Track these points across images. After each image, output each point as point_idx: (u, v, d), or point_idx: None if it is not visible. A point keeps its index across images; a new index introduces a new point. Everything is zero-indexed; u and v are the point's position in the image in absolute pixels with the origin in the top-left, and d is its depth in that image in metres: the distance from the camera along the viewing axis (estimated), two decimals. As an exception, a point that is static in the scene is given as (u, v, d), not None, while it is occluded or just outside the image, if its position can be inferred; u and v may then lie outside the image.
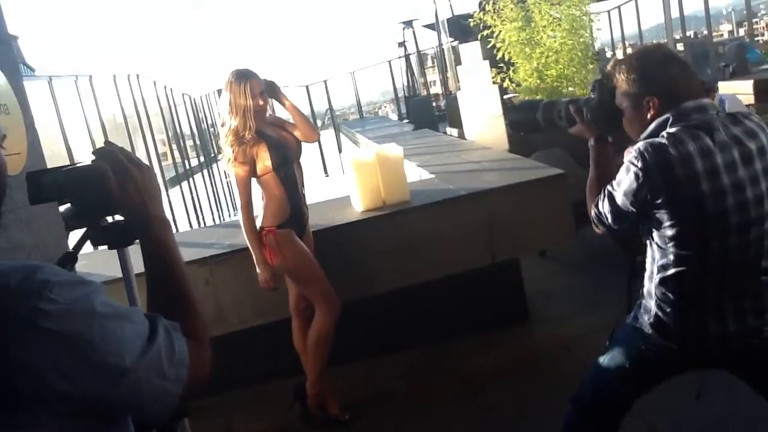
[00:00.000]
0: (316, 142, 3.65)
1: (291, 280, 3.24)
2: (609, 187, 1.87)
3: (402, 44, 16.47)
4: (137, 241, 1.11)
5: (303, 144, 3.24)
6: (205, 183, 14.31)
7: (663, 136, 1.75)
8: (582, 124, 2.01)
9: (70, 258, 1.25)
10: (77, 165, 1.11)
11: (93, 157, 1.07)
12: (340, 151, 14.29)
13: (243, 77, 3.01)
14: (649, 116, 1.81)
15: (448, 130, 8.42)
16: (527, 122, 2.22)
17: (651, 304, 1.89)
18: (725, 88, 7.23)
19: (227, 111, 3.04)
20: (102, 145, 1.09)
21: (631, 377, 2.00)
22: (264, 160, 3.03)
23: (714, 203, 1.71)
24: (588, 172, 2.12)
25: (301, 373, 3.31)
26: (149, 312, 0.93)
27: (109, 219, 1.23)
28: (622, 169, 1.81)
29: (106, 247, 1.27)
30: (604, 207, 1.89)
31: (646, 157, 1.73)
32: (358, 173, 3.59)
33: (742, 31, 27.10)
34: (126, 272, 1.43)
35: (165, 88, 13.50)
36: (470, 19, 7.88)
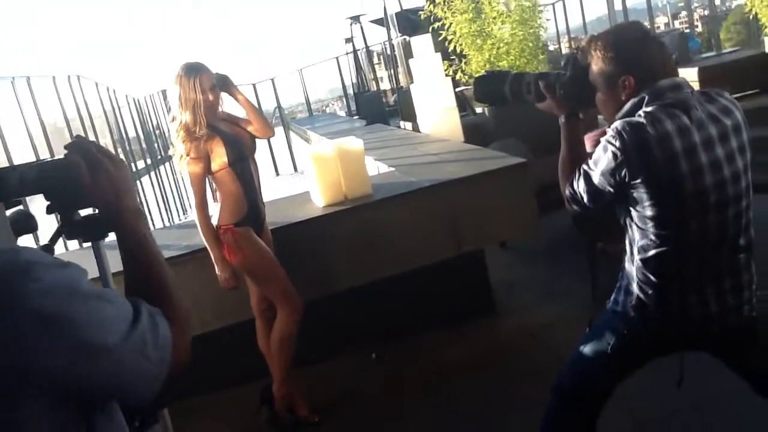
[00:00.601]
0: (266, 140, 3.52)
1: (251, 280, 3.13)
2: (585, 167, 1.83)
3: (350, 40, 16.35)
4: (110, 234, 1.11)
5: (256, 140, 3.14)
6: (153, 185, 13.95)
7: (640, 115, 1.71)
8: (553, 100, 1.96)
9: (46, 250, 1.21)
10: (47, 160, 1.11)
11: (64, 152, 1.06)
12: (290, 149, 14.12)
13: (193, 71, 2.88)
14: (624, 95, 1.77)
15: (402, 123, 8.37)
16: (494, 95, 2.14)
17: (633, 286, 1.86)
18: (671, 76, 7.35)
19: (177, 106, 2.90)
20: (70, 141, 1.07)
21: (613, 362, 1.97)
22: (219, 156, 2.91)
23: (692, 182, 1.69)
24: (542, 160, 2.07)
25: (267, 375, 3.21)
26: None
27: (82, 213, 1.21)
28: (599, 148, 1.77)
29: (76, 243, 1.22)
30: (580, 186, 1.85)
31: (624, 136, 1.69)
32: (318, 167, 3.50)
33: (677, 23, 27.93)
34: (101, 265, 1.40)
35: (108, 89, 13.10)
36: (420, 12, 7.85)
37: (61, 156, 1.08)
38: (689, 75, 7.42)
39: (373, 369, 3.69)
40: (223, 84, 3.01)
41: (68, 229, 1.18)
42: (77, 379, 0.81)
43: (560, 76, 1.94)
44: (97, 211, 1.14)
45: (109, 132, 12.50)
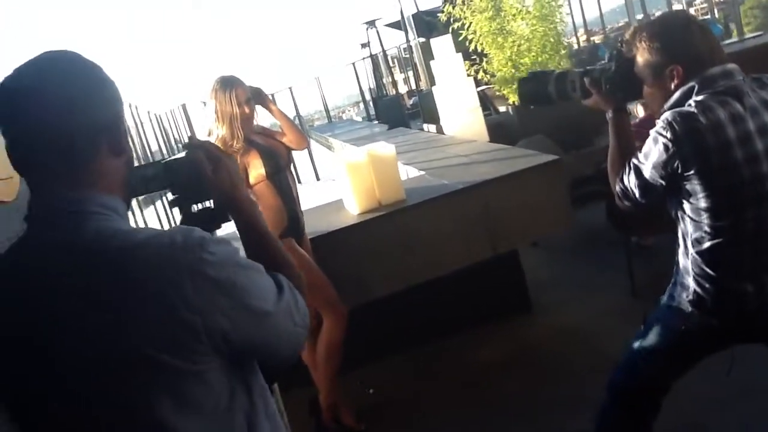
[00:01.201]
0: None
1: None
2: (635, 160, 1.81)
3: (366, 45, 16.37)
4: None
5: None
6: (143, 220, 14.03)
7: (690, 105, 1.69)
8: (599, 96, 1.94)
9: None
10: (171, 158, 1.20)
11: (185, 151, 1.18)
12: (311, 157, 14.15)
13: (228, 84, 2.89)
14: (672, 85, 1.74)
15: (425, 126, 8.35)
16: (539, 95, 2.13)
17: (689, 280, 1.83)
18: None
19: (213, 120, 2.92)
20: (187, 141, 1.20)
21: (670, 359, 1.95)
22: (257, 169, 2.91)
23: (748, 170, 1.66)
24: (569, 155, 2.05)
25: (311, 384, 3.22)
26: None
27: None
28: (649, 141, 1.75)
29: None
30: (630, 181, 1.83)
31: (675, 126, 1.67)
32: (352, 175, 3.49)
33: (692, 11, 27.61)
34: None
35: (129, 106, 13.25)
36: (438, 14, 7.82)
37: (182, 154, 1.18)
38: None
39: (413, 371, 3.68)
40: (258, 97, 3.03)
41: (187, 220, 1.24)
42: (245, 339, 0.97)
43: (605, 71, 1.92)
44: (210, 203, 1.23)
45: (134, 149, 12.61)
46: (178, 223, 1.22)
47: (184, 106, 15.90)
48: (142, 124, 14.11)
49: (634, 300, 3.80)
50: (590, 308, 3.96)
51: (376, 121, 14.05)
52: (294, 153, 3.21)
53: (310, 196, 5.53)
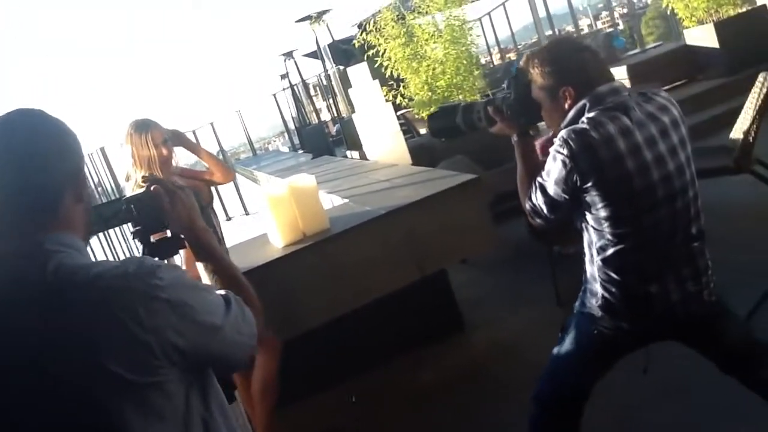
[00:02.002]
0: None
1: None
2: (539, 179, 1.90)
3: (285, 76, 16.37)
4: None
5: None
6: (102, 247, 13.62)
7: (583, 122, 1.78)
8: (503, 122, 2.03)
9: None
10: (131, 195, 1.35)
11: (143, 186, 1.34)
12: (238, 191, 14.01)
13: (143, 127, 2.87)
14: (566, 105, 1.84)
15: (348, 153, 8.42)
16: (448, 128, 2.20)
17: (596, 287, 1.91)
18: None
19: (131, 164, 2.88)
20: (146, 176, 1.28)
21: (587, 363, 2.02)
22: None
23: (640, 179, 1.76)
24: (490, 173, 2.14)
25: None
26: None
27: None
28: (549, 159, 1.84)
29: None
30: (538, 199, 1.91)
31: (570, 143, 1.76)
32: (274, 209, 3.48)
33: (599, 24, 28.87)
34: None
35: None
36: (354, 41, 7.93)
37: (141, 191, 1.34)
38: (619, 73, 7.70)
39: (350, 404, 3.67)
40: (176, 138, 3.00)
41: (149, 250, 1.39)
42: (198, 351, 1.08)
43: (506, 99, 2.01)
44: (168, 233, 1.40)
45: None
46: (140, 251, 1.39)
47: (102, 150, 15.47)
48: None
49: (560, 309, 3.91)
50: (521, 321, 4.04)
51: (301, 151, 14.05)
52: (222, 188, 3.19)
53: (239, 230, 5.47)
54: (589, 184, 1.77)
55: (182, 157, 3.25)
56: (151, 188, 1.33)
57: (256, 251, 3.65)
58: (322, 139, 12.41)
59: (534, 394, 2.16)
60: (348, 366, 3.80)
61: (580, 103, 1.81)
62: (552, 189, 1.86)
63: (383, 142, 6.53)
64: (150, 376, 1.02)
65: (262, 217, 4.54)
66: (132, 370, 1.00)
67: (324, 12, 11.00)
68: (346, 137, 9.29)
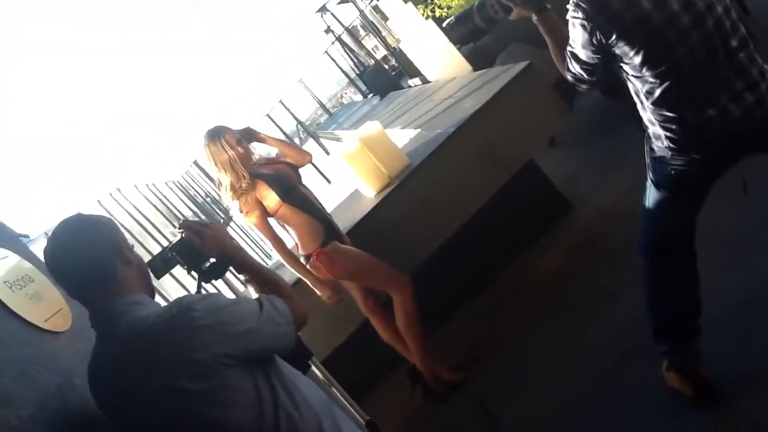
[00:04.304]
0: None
1: (356, 283, 3.30)
2: (569, 48, 1.95)
3: (328, 30, 16.36)
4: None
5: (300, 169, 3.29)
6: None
7: None
8: (517, 6, 2.07)
9: (198, 292, 1.77)
10: (171, 244, 1.70)
11: (179, 230, 1.69)
12: (328, 154, 14.30)
13: (216, 135, 3.06)
14: None
15: (410, 82, 8.41)
16: (469, 32, 2.26)
17: (657, 129, 1.95)
18: None
19: (216, 171, 3.09)
20: (181, 223, 1.71)
21: (676, 202, 2.06)
22: (270, 197, 3.05)
23: (659, 13, 1.78)
24: (547, 51, 2.18)
25: (404, 361, 3.42)
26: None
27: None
28: (570, 27, 1.90)
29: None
30: (575, 67, 1.97)
31: (581, 5, 1.82)
32: (353, 163, 3.65)
33: None
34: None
35: (147, 186, 13.61)
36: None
37: (178, 236, 1.68)
38: None
39: (488, 312, 3.83)
40: (248, 135, 3.18)
41: (202, 277, 1.72)
42: (242, 351, 1.37)
43: None
44: (213, 260, 1.70)
45: (168, 222, 12.98)
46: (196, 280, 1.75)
47: (196, 162, 16.12)
48: (166, 197, 14.48)
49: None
50: (623, 182, 4.02)
51: (371, 94, 14.08)
52: (315, 158, 3.31)
53: (342, 191, 5.64)
54: (614, 37, 1.80)
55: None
56: (183, 234, 1.67)
57: (353, 208, 3.84)
58: (385, 77, 12.34)
59: (639, 247, 2.23)
60: (473, 284, 3.96)
61: None
62: (582, 54, 1.90)
63: (437, 59, 6.48)
64: (212, 380, 1.34)
65: (342, 180, 4.68)
66: (197, 381, 1.34)
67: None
68: (404, 67, 9.26)
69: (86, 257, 1.46)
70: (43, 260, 1.51)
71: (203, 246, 1.65)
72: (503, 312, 3.71)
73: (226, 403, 1.36)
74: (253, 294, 2.67)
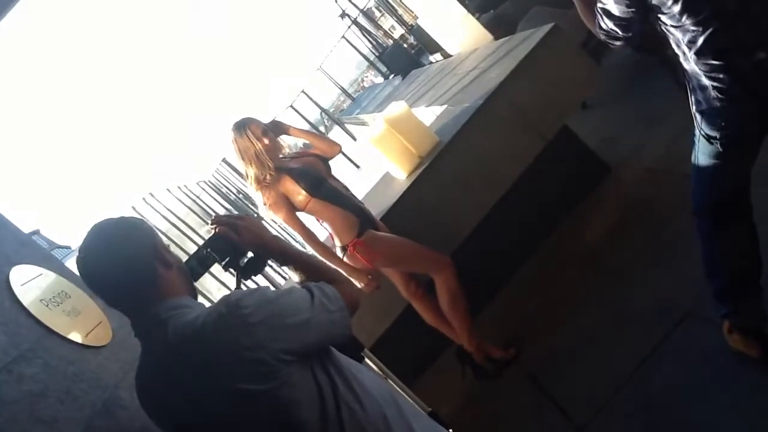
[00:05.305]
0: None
1: (396, 269, 3.23)
2: (599, 5, 1.85)
3: (343, 14, 16.24)
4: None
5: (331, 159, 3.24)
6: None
7: None
8: None
9: (238, 287, 1.69)
10: (205, 241, 1.58)
11: (212, 225, 1.58)
12: (354, 140, 14.25)
13: (241, 126, 3.02)
14: None
15: (431, 58, 8.29)
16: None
17: (702, 80, 1.83)
18: None
19: (242, 164, 3.04)
20: (213, 219, 1.59)
21: (731, 155, 1.94)
22: (297, 191, 2.99)
23: None
24: (573, 10, 2.06)
25: (450, 343, 3.35)
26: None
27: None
28: None
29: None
30: (607, 24, 1.86)
31: None
32: (381, 147, 3.56)
33: None
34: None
35: (180, 188, 13.73)
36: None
37: (212, 233, 1.58)
38: None
39: (535, 284, 3.74)
40: (276, 128, 3.12)
41: (241, 274, 1.62)
42: (300, 344, 1.30)
43: None
44: (250, 254, 1.60)
45: (202, 221, 13.09)
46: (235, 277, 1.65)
47: (225, 159, 16.21)
48: (198, 197, 14.59)
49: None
50: (662, 139, 3.88)
51: (392, 75, 13.96)
52: (343, 145, 3.25)
53: (372, 176, 5.58)
54: None
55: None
56: (216, 229, 1.57)
57: (386, 192, 3.77)
58: (405, 56, 12.22)
59: (694, 208, 2.12)
60: (515, 257, 3.87)
61: None
62: (616, 9, 1.80)
63: (456, 31, 6.36)
64: (275, 380, 1.25)
65: (371, 165, 4.61)
66: (260, 382, 1.25)
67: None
68: (423, 44, 9.14)
69: (123, 262, 1.37)
70: (77, 271, 1.41)
71: (239, 240, 1.55)
72: (551, 283, 3.62)
73: (291, 402, 1.27)
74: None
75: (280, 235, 1.68)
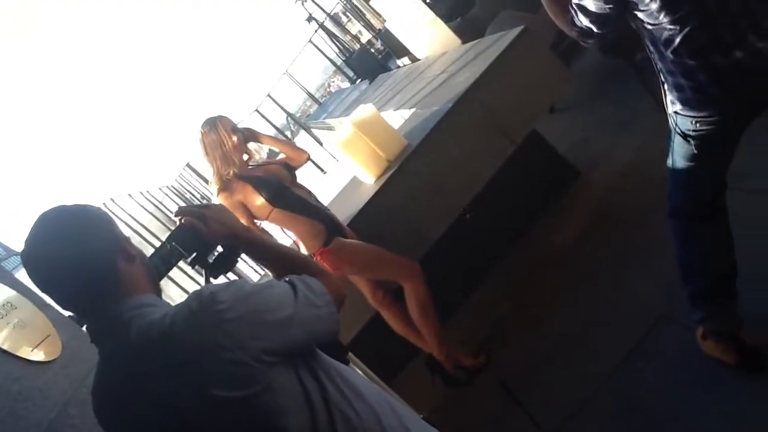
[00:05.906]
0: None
1: (364, 276, 3.15)
2: (575, 1, 1.78)
3: (310, 18, 16.15)
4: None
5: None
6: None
7: None
8: None
9: None
10: (171, 233, 1.41)
11: (176, 216, 1.41)
12: (321, 145, 14.15)
13: (210, 121, 2.96)
14: None
15: (399, 62, 8.23)
16: (457, 4, 2.10)
17: (679, 80, 1.79)
18: None
19: (207, 160, 2.96)
20: (176, 211, 1.41)
21: (705, 155, 1.90)
22: (256, 201, 2.89)
23: None
24: (541, 14, 2.02)
25: (419, 351, 3.29)
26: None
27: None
28: None
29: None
30: (582, 21, 1.81)
31: None
32: (349, 150, 3.48)
33: None
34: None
35: (142, 194, 13.48)
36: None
37: (177, 225, 1.41)
38: None
39: (506, 290, 3.69)
40: (249, 133, 3.07)
41: (211, 271, 1.47)
42: (283, 343, 1.14)
43: None
44: (219, 249, 1.44)
45: (165, 227, 12.85)
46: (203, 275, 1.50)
47: (189, 165, 15.96)
48: (161, 202, 14.34)
49: (666, 114, 3.69)
50: (632, 142, 3.87)
51: (359, 80, 13.89)
52: (310, 150, 3.20)
53: (338, 182, 5.50)
54: None
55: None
56: (182, 220, 1.41)
57: (353, 197, 3.69)
58: (372, 61, 12.15)
59: (669, 209, 2.08)
60: (485, 260, 3.82)
61: None
62: (592, 5, 1.74)
63: (424, 35, 6.30)
64: (256, 384, 1.09)
65: (338, 169, 4.56)
66: (238, 387, 1.09)
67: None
68: (391, 48, 9.08)
69: (79, 253, 1.18)
70: (23, 266, 1.21)
71: (207, 232, 1.38)
72: (522, 288, 3.57)
73: (274, 409, 1.11)
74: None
75: (249, 227, 1.51)
